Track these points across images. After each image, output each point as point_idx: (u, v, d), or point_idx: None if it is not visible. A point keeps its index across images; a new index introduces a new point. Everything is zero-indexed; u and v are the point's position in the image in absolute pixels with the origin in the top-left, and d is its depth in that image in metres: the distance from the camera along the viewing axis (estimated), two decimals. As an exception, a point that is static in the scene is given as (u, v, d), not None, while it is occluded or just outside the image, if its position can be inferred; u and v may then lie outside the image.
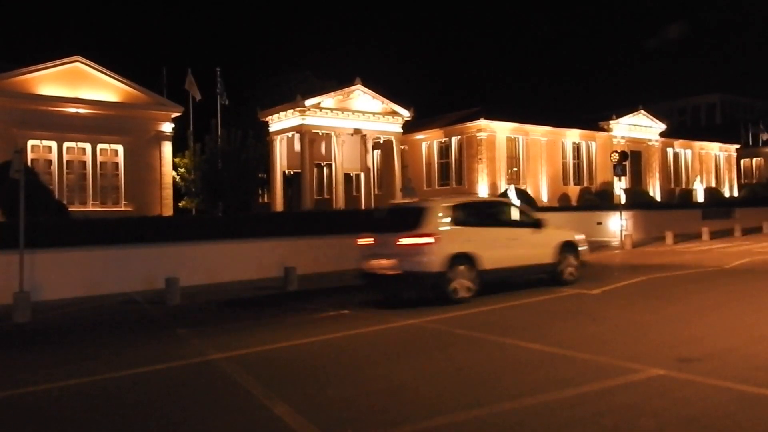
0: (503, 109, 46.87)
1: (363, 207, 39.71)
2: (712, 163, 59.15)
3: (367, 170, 41.01)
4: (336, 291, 14.47)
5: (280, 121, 39.48)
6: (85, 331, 10.48)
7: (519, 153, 45.06)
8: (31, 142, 30.96)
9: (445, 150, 45.78)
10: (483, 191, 42.42)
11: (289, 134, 39.67)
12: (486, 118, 42.58)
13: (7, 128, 29.91)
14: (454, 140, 44.71)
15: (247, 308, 12.45)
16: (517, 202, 32.78)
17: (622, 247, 24.53)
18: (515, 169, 44.83)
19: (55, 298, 13.85)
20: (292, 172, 42.14)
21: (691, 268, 16.63)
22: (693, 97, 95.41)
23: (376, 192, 43.21)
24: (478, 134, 42.66)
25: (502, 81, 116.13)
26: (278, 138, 40.21)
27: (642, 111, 51.18)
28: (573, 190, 47.33)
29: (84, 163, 32.65)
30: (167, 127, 34.62)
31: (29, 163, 28.89)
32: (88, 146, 32.56)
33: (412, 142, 46.51)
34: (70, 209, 24.63)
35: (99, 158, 32.90)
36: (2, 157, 23.61)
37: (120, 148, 33.41)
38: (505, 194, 35.41)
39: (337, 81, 42.28)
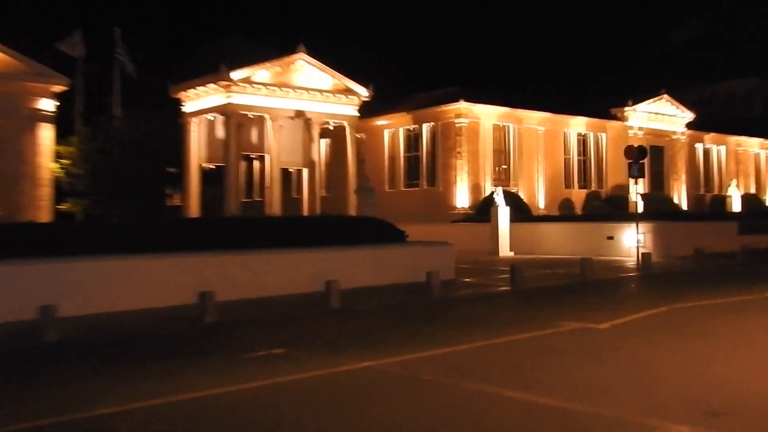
0: (489, 89, 47.57)
1: (306, 213, 39.60)
2: (751, 164, 60.79)
3: (311, 165, 40.94)
4: (268, 323, 14.35)
5: (198, 99, 39.15)
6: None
7: (509, 146, 45.59)
8: None
9: (414, 140, 46.04)
10: (462, 195, 42.71)
11: (210, 116, 39.37)
12: (467, 101, 43.01)
13: None
14: (426, 128, 45.01)
15: (145, 346, 12.25)
16: (506, 210, 33.22)
17: (638, 268, 24.94)
18: (504, 167, 45.33)
19: None
20: (213, 166, 41.79)
21: (722, 295, 17.02)
22: (727, 82, 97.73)
23: (324, 194, 43.21)
24: (456, 121, 43.04)
25: (489, 54, 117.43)
26: (195, 121, 39.87)
27: (665, 96, 52.28)
28: (577, 195, 48.06)
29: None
30: (47, 105, 33.94)
31: None
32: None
33: (371, 129, 46.68)
34: None
35: (-50, 145, 32.05)
36: None
37: (-22, 131, 32.58)
38: (491, 199, 35.73)
39: (276, 50, 42.22)
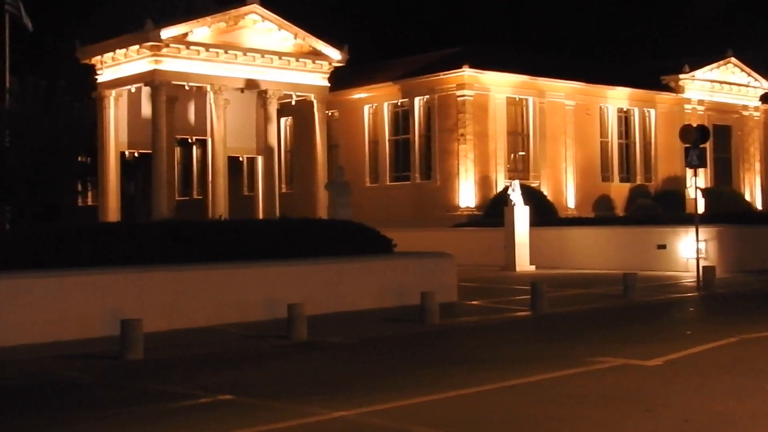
0: (502, 52, 47.47)
1: (261, 215, 39.45)
2: None
3: (268, 152, 40.82)
4: (212, 361, 14.27)
5: (117, 64, 38.97)
6: None
7: (528, 126, 45.57)
8: None
9: (402, 119, 45.93)
10: (466, 191, 42.64)
11: (133, 88, 39.17)
12: (473, 67, 42.93)
13: None
14: (419, 103, 44.92)
15: (48, 393, 12.16)
16: (525, 210, 33.21)
17: (698, 287, 25.01)
18: (522, 154, 45.32)
19: None
20: (137, 154, 41.62)
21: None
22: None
23: (284, 189, 43.13)
24: (458, 93, 42.97)
25: (501, 5, 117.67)
26: (113, 94, 39.68)
27: (732, 59, 52.27)
28: (618, 190, 48.08)
29: None
30: None
31: None
32: None
33: (346, 104, 46.57)
34: None
35: None
36: None
37: None
38: (504, 196, 35.73)
39: (220, 1, 42.20)
